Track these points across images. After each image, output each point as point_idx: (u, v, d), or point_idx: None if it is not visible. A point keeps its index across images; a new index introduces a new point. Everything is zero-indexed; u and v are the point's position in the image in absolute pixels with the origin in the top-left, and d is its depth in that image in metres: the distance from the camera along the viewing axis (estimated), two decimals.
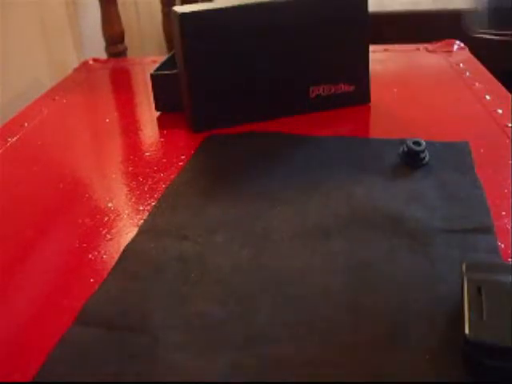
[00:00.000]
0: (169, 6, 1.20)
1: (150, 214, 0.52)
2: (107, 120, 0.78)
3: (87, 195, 0.58)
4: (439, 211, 0.49)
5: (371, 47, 0.69)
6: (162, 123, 0.75)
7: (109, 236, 0.51)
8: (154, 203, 0.54)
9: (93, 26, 1.18)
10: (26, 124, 0.78)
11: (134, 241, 0.49)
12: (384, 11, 1.54)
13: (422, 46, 0.97)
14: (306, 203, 0.52)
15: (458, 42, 0.96)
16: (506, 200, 0.50)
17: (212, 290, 0.43)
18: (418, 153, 0.56)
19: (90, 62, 1.04)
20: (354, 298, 0.40)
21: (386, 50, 0.94)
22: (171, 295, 0.42)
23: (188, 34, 0.61)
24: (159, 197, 0.55)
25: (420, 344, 0.36)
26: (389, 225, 0.48)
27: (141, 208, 0.54)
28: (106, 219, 0.53)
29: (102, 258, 0.48)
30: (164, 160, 0.64)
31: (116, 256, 0.47)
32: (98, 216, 0.54)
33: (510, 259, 0.43)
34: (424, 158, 0.57)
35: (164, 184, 0.58)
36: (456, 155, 0.58)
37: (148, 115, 0.79)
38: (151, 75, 0.75)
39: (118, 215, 0.54)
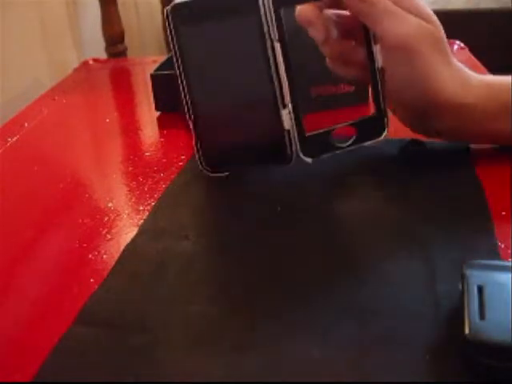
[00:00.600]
0: None
1: (150, 214, 0.52)
2: (107, 120, 0.78)
3: (87, 195, 0.58)
4: (439, 211, 0.49)
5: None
6: (162, 123, 0.75)
7: (109, 236, 0.51)
8: (154, 203, 0.54)
9: (93, 26, 1.18)
10: (26, 124, 0.78)
11: (133, 241, 0.49)
12: None
13: None
14: (304, 204, 0.52)
15: (458, 42, 0.96)
16: (506, 200, 0.50)
17: (212, 290, 0.43)
18: (417, 152, 0.56)
19: (90, 62, 1.04)
20: (353, 298, 0.40)
21: None
22: (171, 295, 0.42)
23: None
24: (159, 197, 0.55)
25: (420, 344, 0.36)
26: (388, 225, 0.48)
27: (141, 208, 0.54)
28: (105, 219, 0.53)
29: (102, 257, 0.48)
30: (164, 160, 0.64)
31: (116, 256, 0.47)
32: (97, 216, 0.54)
33: (510, 259, 0.43)
34: (423, 157, 0.56)
35: (164, 184, 0.58)
36: (455, 155, 0.58)
37: (148, 115, 0.79)
38: (151, 75, 0.75)
39: (118, 215, 0.54)
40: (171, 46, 0.54)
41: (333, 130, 0.55)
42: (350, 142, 0.56)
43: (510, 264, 0.40)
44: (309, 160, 0.55)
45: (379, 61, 0.54)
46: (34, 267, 0.48)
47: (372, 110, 0.56)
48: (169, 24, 0.52)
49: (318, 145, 0.55)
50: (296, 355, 0.36)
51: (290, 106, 0.53)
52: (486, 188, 0.52)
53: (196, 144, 0.57)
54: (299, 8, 0.53)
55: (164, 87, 0.75)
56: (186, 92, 0.55)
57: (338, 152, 0.56)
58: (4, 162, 0.68)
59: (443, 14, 1.73)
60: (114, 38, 1.15)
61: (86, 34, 1.24)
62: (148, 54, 1.55)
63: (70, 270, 0.47)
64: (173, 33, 0.53)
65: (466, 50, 0.94)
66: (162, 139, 0.70)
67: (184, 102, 0.56)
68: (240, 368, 0.36)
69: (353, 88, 0.72)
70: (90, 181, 0.62)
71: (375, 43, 0.53)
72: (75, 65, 1.06)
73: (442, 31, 0.54)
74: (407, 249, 0.45)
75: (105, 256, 0.48)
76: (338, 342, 0.37)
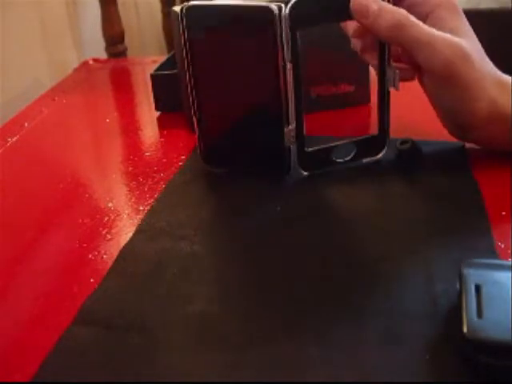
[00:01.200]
0: (169, 6, 1.20)
1: (147, 214, 0.53)
2: (107, 120, 0.78)
3: (87, 195, 0.58)
4: (435, 210, 0.49)
5: None
6: (162, 123, 0.75)
7: (109, 236, 0.51)
8: (153, 203, 0.55)
9: (93, 26, 1.18)
10: (26, 124, 0.78)
11: (131, 241, 0.49)
12: None
13: None
14: (303, 203, 0.52)
15: None
16: (505, 200, 0.50)
17: (211, 290, 0.43)
18: (407, 152, 0.56)
19: (90, 62, 1.04)
20: (353, 298, 0.40)
21: None
22: (170, 295, 0.42)
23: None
24: (157, 196, 0.55)
25: (419, 343, 0.36)
26: (385, 225, 0.48)
27: (141, 208, 0.54)
28: (106, 219, 0.53)
29: (102, 257, 0.48)
30: (164, 160, 0.64)
31: (116, 256, 0.47)
32: (97, 216, 0.54)
33: (509, 259, 0.43)
34: (415, 156, 0.57)
35: (164, 184, 0.58)
36: (452, 154, 0.58)
37: (148, 115, 0.79)
38: (151, 75, 0.75)
39: (118, 215, 0.54)
40: (182, 44, 0.54)
41: (333, 147, 0.56)
42: (348, 158, 0.57)
43: (507, 263, 0.40)
44: (305, 173, 0.56)
45: (391, 83, 0.55)
46: (34, 267, 0.48)
47: (372, 110, 0.57)
48: (182, 23, 0.52)
49: (317, 160, 0.56)
50: (296, 355, 0.36)
51: (293, 124, 0.53)
52: (486, 188, 0.52)
53: (198, 141, 0.57)
54: None
55: (164, 87, 0.75)
56: (191, 91, 0.55)
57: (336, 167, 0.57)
58: (4, 162, 0.68)
59: None
60: (114, 38, 1.15)
61: (86, 34, 1.24)
62: (148, 54, 1.55)
63: (69, 270, 0.47)
64: (185, 33, 0.53)
65: None
66: (162, 139, 0.70)
67: (190, 100, 0.56)
68: (240, 368, 0.36)
69: (353, 88, 0.72)
70: (90, 181, 0.62)
71: (389, 65, 0.54)
72: (75, 65, 1.06)
73: (470, 35, 0.53)
74: (406, 249, 0.45)
75: (105, 256, 0.48)
76: (338, 341, 0.37)
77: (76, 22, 1.22)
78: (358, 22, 0.52)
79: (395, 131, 0.58)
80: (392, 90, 0.55)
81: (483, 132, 0.54)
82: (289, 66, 0.51)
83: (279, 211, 0.51)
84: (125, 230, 0.51)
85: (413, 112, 0.70)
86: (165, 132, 0.72)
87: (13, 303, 0.44)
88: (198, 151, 0.58)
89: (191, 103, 0.56)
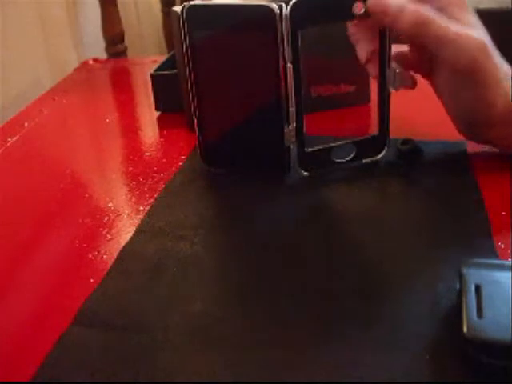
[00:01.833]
0: (169, 6, 1.20)
1: (147, 214, 0.53)
2: (107, 120, 0.78)
3: (87, 195, 0.58)
4: (435, 210, 0.49)
5: None
6: (162, 123, 0.75)
7: (109, 236, 0.51)
8: (153, 203, 0.55)
9: (93, 26, 1.18)
10: (26, 124, 0.78)
11: (131, 241, 0.49)
12: None
13: None
14: (303, 203, 0.52)
15: None
16: (505, 200, 0.50)
17: (210, 290, 0.43)
18: (407, 152, 0.56)
19: (90, 62, 1.04)
20: (353, 298, 0.40)
21: None
22: (169, 295, 0.42)
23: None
24: (157, 196, 0.55)
25: (419, 343, 0.36)
26: (385, 225, 0.48)
27: (141, 208, 0.54)
28: (106, 219, 0.53)
29: (102, 258, 0.48)
30: (164, 160, 0.64)
31: (116, 256, 0.47)
32: (97, 216, 0.54)
33: (509, 259, 0.43)
34: (416, 156, 0.57)
35: (164, 184, 0.58)
36: (452, 154, 0.58)
37: (148, 115, 0.79)
38: (151, 75, 0.75)
39: (118, 215, 0.54)
40: (182, 44, 0.54)
41: (333, 147, 0.56)
42: (348, 158, 0.57)
43: (507, 263, 0.40)
44: (305, 174, 0.56)
45: (391, 84, 0.55)
46: (33, 267, 0.48)
47: (372, 110, 0.57)
48: (183, 23, 0.52)
49: (316, 160, 0.56)
50: (296, 355, 0.36)
51: (293, 124, 0.53)
52: (486, 188, 0.52)
53: (198, 141, 0.57)
54: None
55: (164, 87, 0.75)
56: (191, 91, 0.55)
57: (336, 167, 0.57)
58: (4, 162, 0.68)
59: None
60: (114, 38, 1.15)
61: (86, 34, 1.24)
62: (148, 54, 1.55)
63: (69, 270, 0.47)
64: (186, 32, 0.53)
65: None
66: (162, 139, 0.70)
67: (190, 100, 0.56)
68: (240, 368, 0.36)
69: (353, 88, 0.72)
70: (90, 181, 0.62)
71: (389, 67, 0.54)
72: (75, 65, 1.06)
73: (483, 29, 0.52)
74: (406, 249, 0.45)
75: (105, 256, 0.48)
76: (338, 342, 0.37)
77: (76, 22, 1.22)
78: (377, 21, 0.52)
79: (395, 131, 0.58)
80: (392, 90, 0.55)
81: (499, 130, 0.54)
82: (289, 65, 0.51)
83: (279, 211, 0.51)
84: (125, 229, 0.51)
85: (413, 112, 0.70)
86: (165, 132, 0.72)
87: (13, 303, 0.44)
88: (198, 151, 0.58)
89: (191, 103, 0.56)
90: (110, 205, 0.56)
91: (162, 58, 0.80)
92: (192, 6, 0.52)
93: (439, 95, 0.56)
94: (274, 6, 0.50)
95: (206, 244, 0.48)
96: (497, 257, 0.43)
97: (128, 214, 0.54)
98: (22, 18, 1.03)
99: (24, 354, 0.38)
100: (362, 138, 0.57)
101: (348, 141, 0.57)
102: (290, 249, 0.46)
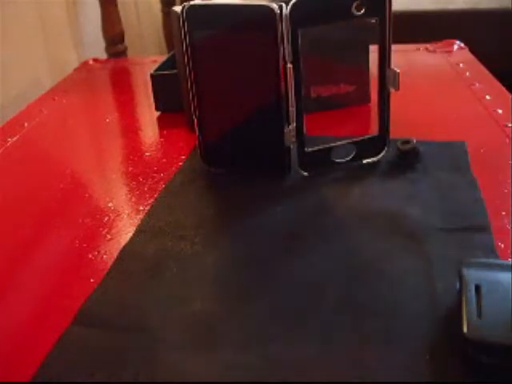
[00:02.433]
0: (169, 6, 1.20)
1: (147, 214, 0.53)
2: (107, 120, 0.78)
3: (87, 195, 0.58)
4: (436, 210, 0.49)
5: (371, 47, 0.69)
6: (162, 123, 0.75)
7: (109, 236, 0.51)
8: (153, 203, 0.55)
9: (93, 26, 1.18)
10: (25, 124, 0.78)
11: (131, 241, 0.49)
12: None
13: (422, 46, 0.97)
14: (303, 203, 0.52)
15: (457, 42, 0.96)
16: (505, 200, 0.50)
17: (210, 290, 0.43)
18: (407, 152, 0.56)
19: (90, 62, 1.04)
20: (353, 298, 0.40)
21: None
22: (169, 295, 0.42)
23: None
24: (156, 197, 0.55)
25: (419, 343, 0.36)
26: (386, 224, 0.48)
27: (141, 208, 0.54)
28: (106, 219, 0.53)
29: (102, 257, 0.48)
30: (164, 160, 0.64)
31: (116, 256, 0.47)
32: (97, 216, 0.54)
33: (509, 259, 0.43)
34: (415, 156, 0.57)
35: (164, 184, 0.58)
36: (452, 154, 0.58)
37: (148, 115, 0.79)
38: (151, 75, 0.75)
39: (118, 215, 0.54)
40: (182, 44, 0.54)
41: (332, 147, 0.56)
42: (348, 158, 0.57)
43: (507, 263, 0.40)
44: (305, 174, 0.56)
45: (391, 84, 0.55)
46: (33, 267, 0.48)
47: (372, 110, 0.57)
48: (183, 22, 0.52)
49: (316, 160, 0.56)
50: (295, 355, 0.36)
51: (293, 124, 0.53)
52: (486, 188, 0.52)
53: (198, 141, 0.57)
54: None
55: (164, 87, 0.75)
56: (191, 91, 0.55)
57: (335, 168, 0.57)
58: (4, 162, 0.68)
59: (443, 13, 1.74)
60: (114, 38, 1.15)
61: (86, 34, 1.23)
62: (148, 54, 1.55)
63: (69, 270, 0.47)
64: (186, 32, 0.53)
65: (466, 50, 0.94)
66: (162, 139, 0.70)
67: (190, 100, 0.56)
68: (240, 368, 0.36)
69: (353, 88, 0.72)
70: (90, 181, 0.62)
71: (389, 67, 0.54)
72: (75, 65, 1.06)
73: None
74: (406, 248, 0.45)
75: (105, 256, 0.48)
76: (338, 342, 0.37)
77: (76, 22, 1.22)
78: None
79: (395, 131, 0.58)
80: (392, 90, 0.55)
81: None
82: (289, 65, 0.51)
83: (279, 211, 0.51)
84: (125, 229, 0.51)
85: (413, 112, 0.70)
86: (165, 132, 0.72)
87: (13, 303, 0.44)
88: (198, 151, 0.58)
89: (191, 103, 0.56)
90: (110, 205, 0.56)
91: (162, 58, 0.80)
92: (192, 5, 0.52)
93: None
94: (274, 5, 0.50)
95: (206, 244, 0.48)
96: (497, 257, 0.43)
97: (128, 214, 0.54)
98: (22, 18, 1.03)
99: (24, 354, 0.38)
100: (361, 137, 0.57)
101: (348, 141, 0.57)
102: (289, 248, 0.46)
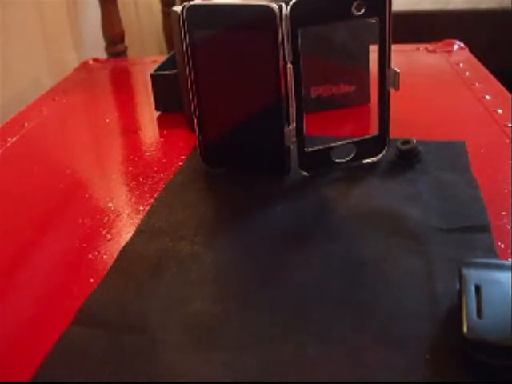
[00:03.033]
0: (169, 6, 1.20)
1: (147, 214, 0.53)
2: (107, 120, 0.78)
3: (87, 195, 0.58)
4: (435, 210, 0.49)
5: (371, 47, 0.69)
6: (162, 123, 0.75)
7: (109, 236, 0.51)
8: (153, 203, 0.55)
9: (93, 26, 1.18)
10: (25, 124, 0.78)
11: (131, 241, 0.49)
12: None
13: (422, 46, 0.97)
14: (303, 203, 0.52)
15: (457, 42, 0.96)
16: (505, 200, 0.50)
17: (210, 290, 0.43)
18: (407, 152, 0.56)
19: (90, 62, 1.05)
20: (352, 298, 0.40)
21: None
22: (169, 295, 0.42)
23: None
24: (156, 197, 0.55)
25: (419, 343, 0.36)
26: (386, 224, 0.48)
27: (141, 208, 0.54)
28: (106, 219, 0.53)
29: (102, 258, 0.48)
30: (164, 160, 0.64)
31: (116, 256, 0.47)
32: (98, 216, 0.54)
33: (509, 259, 0.43)
34: (415, 156, 0.57)
35: (164, 184, 0.58)
36: (452, 154, 0.58)
37: (148, 115, 0.79)
38: (151, 75, 0.75)
39: (118, 215, 0.54)
40: (182, 44, 0.54)
41: (332, 147, 0.56)
42: (348, 158, 0.57)
43: (507, 263, 0.40)
44: (305, 174, 0.56)
45: (391, 84, 0.55)
46: (33, 267, 0.48)
47: (372, 110, 0.57)
48: (183, 22, 0.52)
49: (316, 160, 0.56)
50: (295, 355, 0.36)
51: (293, 124, 0.53)
52: (486, 188, 0.52)
53: (198, 141, 0.57)
54: None
55: (164, 87, 0.75)
56: (191, 91, 0.55)
57: (335, 167, 0.57)
58: (4, 162, 0.68)
59: (443, 13, 1.74)
60: (114, 38, 1.15)
61: (86, 34, 1.24)
62: (148, 54, 1.55)
63: (69, 270, 0.47)
64: (185, 32, 0.53)
65: (466, 50, 0.94)
66: (162, 139, 0.70)
67: (190, 100, 0.56)
68: (240, 368, 0.36)
69: (353, 88, 0.72)
70: (90, 181, 0.62)
71: (389, 67, 0.54)
72: (75, 65, 1.06)
73: None
74: (406, 248, 0.45)
75: (105, 256, 0.48)
76: (338, 342, 0.37)
77: (76, 22, 1.22)
78: None
79: (395, 131, 0.58)
80: (392, 90, 0.55)
81: None
82: (289, 65, 0.51)
83: (279, 211, 0.51)
84: (125, 229, 0.51)
85: (413, 112, 0.70)
86: (165, 132, 0.72)
87: (13, 303, 0.44)
88: (198, 151, 0.58)
89: (191, 103, 0.56)
90: (109, 205, 0.56)
91: (162, 58, 0.80)
92: (192, 5, 0.52)
93: None
94: (274, 5, 0.50)
95: (206, 244, 0.48)
96: (497, 257, 0.43)
97: (128, 214, 0.54)
98: (22, 18, 1.03)
99: (24, 354, 0.38)
100: (362, 138, 0.57)
101: (348, 141, 0.57)
102: (289, 248, 0.46)
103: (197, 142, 0.58)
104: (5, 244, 0.51)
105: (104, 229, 0.52)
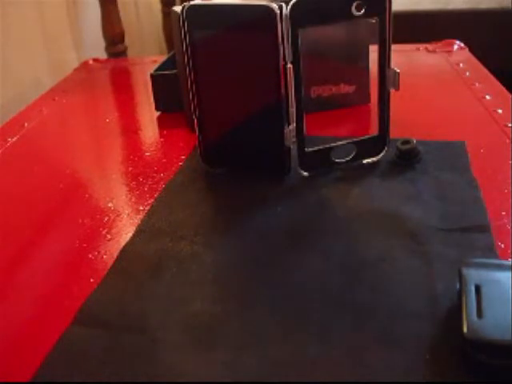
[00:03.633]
0: (169, 6, 1.20)
1: (147, 214, 0.53)
2: (107, 120, 0.78)
3: (87, 195, 0.58)
4: (435, 210, 0.49)
5: (371, 47, 0.69)
6: (162, 123, 0.75)
7: (109, 236, 0.51)
8: (153, 203, 0.55)
9: (93, 26, 1.18)
10: (26, 124, 0.78)
11: (131, 241, 0.49)
12: None
13: (422, 46, 0.97)
14: (303, 203, 0.52)
15: (457, 42, 0.96)
16: (505, 200, 0.50)
17: (210, 290, 0.43)
18: (407, 152, 0.57)
19: (90, 62, 1.05)
20: (353, 298, 0.40)
21: None
22: (169, 295, 0.42)
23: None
24: (156, 197, 0.55)
25: (419, 343, 0.36)
26: (386, 224, 0.48)
27: (141, 208, 0.54)
28: (106, 219, 0.53)
29: (102, 258, 0.48)
30: (164, 160, 0.64)
31: (116, 256, 0.47)
32: (98, 216, 0.54)
33: (509, 259, 0.43)
34: (415, 156, 0.57)
35: (164, 184, 0.58)
36: (452, 154, 0.58)
37: (148, 115, 0.79)
38: (151, 75, 0.75)
39: (118, 215, 0.54)
40: (182, 44, 0.54)
41: (332, 147, 0.56)
42: (348, 158, 0.57)
43: (507, 263, 0.40)
44: (305, 174, 0.56)
45: (391, 84, 0.55)
46: (33, 267, 0.48)
47: (372, 110, 0.57)
48: (183, 22, 0.52)
49: (316, 160, 0.56)
50: (295, 355, 0.36)
51: (293, 124, 0.54)
52: (486, 188, 0.52)
53: (198, 141, 0.57)
54: None
55: (164, 87, 0.75)
56: (191, 91, 0.55)
57: (336, 167, 0.57)
58: (4, 162, 0.68)
59: (443, 13, 1.74)
60: (114, 38, 1.15)
61: (86, 34, 1.24)
62: (148, 54, 1.55)
63: (69, 270, 0.47)
64: (185, 33, 0.53)
65: (466, 50, 0.94)
66: (162, 139, 0.70)
67: (190, 100, 0.56)
68: (240, 368, 0.36)
69: (353, 88, 0.72)
70: (90, 181, 0.62)
71: (389, 67, 0.54)
72: (75, 65, 1.06)
73: None
74: (406, 248, 0.45)
75: (105, 256, 0.48)
76: (338, 342, 0.37)
77: (76, 22, 1.22)
78: None
79: (395, 131, 0.58)
80: (392, 90, 0.55)
81: None
82: (289, 65, 0.51)
83: (279, 211, 0.51)
84: (125, 229, 0.51)
85: (413, 112, 0.70)
86: (165, 132, 0.72)
87: (13, 303, 0.44)
88: (198, 151, 0.58)
89: (191, 103, 0.56)
90: (109, 205, 0.56)
91: (162, 58, 0.80)
92: (192, 5, 0.52)
93: None
94: (274, 5, 0.50)
95: (206, 244, 0.48)
96: (497, 257, 0.43)
97: (128, 214, 0.54)
98: (22, 18, 1.03)
99: (24, 354, 0.38)
100: (362, 138, 0.57)
101: (348, 141, 0.57)
102: (289, 248, 0.46)
103: (197, 142, 0.58)
104: (5, 244, 0.51)
105: (104, 229, 0.52)
